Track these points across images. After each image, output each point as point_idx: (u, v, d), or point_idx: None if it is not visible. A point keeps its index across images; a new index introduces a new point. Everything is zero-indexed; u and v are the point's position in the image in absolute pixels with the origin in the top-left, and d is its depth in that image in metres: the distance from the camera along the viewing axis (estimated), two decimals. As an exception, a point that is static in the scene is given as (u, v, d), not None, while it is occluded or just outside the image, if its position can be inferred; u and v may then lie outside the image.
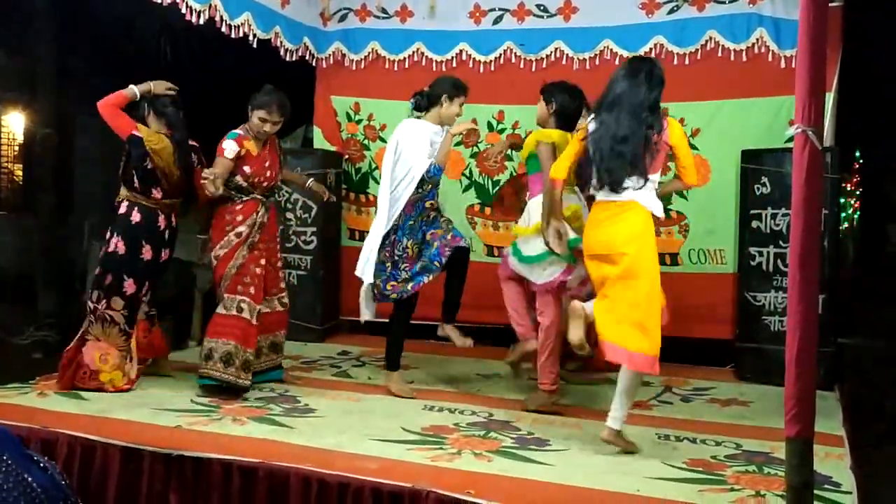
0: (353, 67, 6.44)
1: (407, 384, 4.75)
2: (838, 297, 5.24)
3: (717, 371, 5.44)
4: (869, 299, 8.75)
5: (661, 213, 3.69)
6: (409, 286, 4.50)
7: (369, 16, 6.39)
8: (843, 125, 5.73)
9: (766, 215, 5.11)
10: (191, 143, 4.63)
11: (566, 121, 4.36)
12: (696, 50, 5.60)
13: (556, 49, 5.91)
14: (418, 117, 4.68)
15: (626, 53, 5.70)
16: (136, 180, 4.44)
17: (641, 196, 3.59)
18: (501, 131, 6.09)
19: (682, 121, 5.21)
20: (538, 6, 5.97)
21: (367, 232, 6.47)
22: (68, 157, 8.67)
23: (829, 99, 5.06)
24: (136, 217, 4.46)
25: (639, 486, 3.19)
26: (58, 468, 2.56)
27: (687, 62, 5.60)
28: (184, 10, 4.78)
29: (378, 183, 6.42)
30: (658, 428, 4.05)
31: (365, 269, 4.54)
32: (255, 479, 3.33)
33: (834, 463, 3.52)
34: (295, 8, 5.95)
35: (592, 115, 3.77)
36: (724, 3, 5.54)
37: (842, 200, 9.06)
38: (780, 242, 4.98)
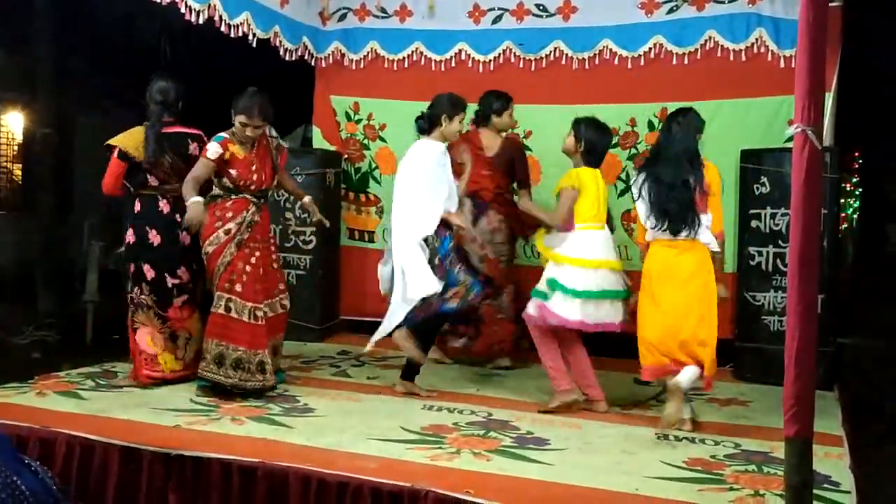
0: (353, 67, 6.44)
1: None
2: (838, 297, 5.24)
3: (716, 371, 5.43)
4: (868, 299, 8.74)
5: (716, 248, 4.17)
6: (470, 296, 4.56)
7: (368, 15, 6.39)
8: (843, 125, 5.73)
9: (765, 215, 5.11)
10: (194, 131, 4.75)
11: (595, 157, 4.44)
12: (696, 50, 5.60)
13: (555, 49, 5.91)
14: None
15: (625, 53, 5.71)
16: (130, 175, 4.65)
17: (700, 235, 4.10)
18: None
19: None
20: (537, 6, 5.97)
21: (367, 232, 6.58)
22: (68, 156, 8.68)
23: (829, 99, 5.06)
24: (137, 206, 4.69)
25: (638, 485, 3.19)
26: (50, 474, 2.55)
27: (686, 62, 5.60)
28: (183, 10, 4.78)
29: (378, 183, 6.49)
30: (657, 428, 4.05)
31: (423, 283, 4.43)
32: (255, 479, 3.33)
33: (833, 462, 3.52)
34: (294, 7, 5.95)
35: (642, 166, 4.25)
36: (723, 2, 5.54)
37: (841, 200, 9.05)
38: (780, 242, 4.98)
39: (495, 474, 3.30)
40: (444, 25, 6.16)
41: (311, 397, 4.50)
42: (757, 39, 5.45)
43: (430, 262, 4.47)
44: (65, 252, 8.13)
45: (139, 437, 3.61)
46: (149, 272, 4.63)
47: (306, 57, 6.30)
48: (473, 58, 6.10)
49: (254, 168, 4.53)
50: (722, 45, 5.53)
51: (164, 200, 4.66)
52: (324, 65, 6.49)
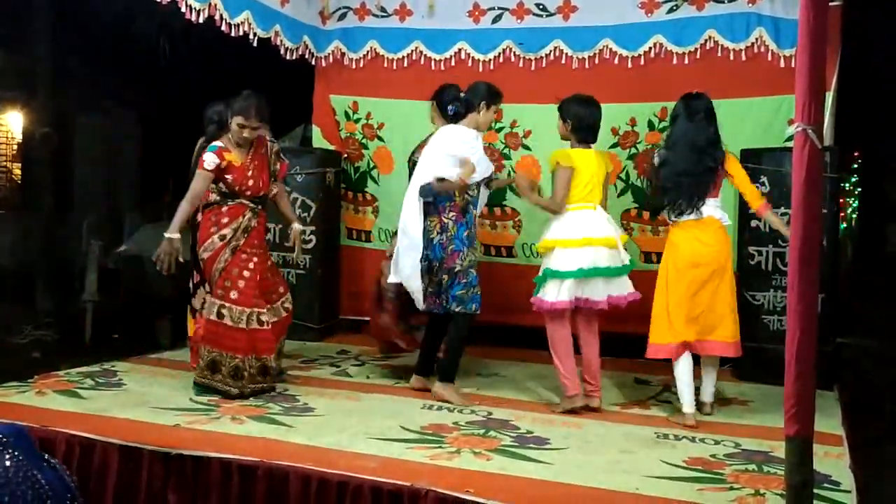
0: (352, 66, 6.43)
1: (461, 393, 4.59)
2: (838, 297, 5.24)
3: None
4: (868, 299, 8.75)
5: (728, 222, 4.31)
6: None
7: (368, 14, 6.38)
8: (843, 124, 5.73)
9: (765, 215, 5.10)
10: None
11: (585, 133, 4.37)
12: (696, 49, 5.58)
13: (555, 48, 5.90)
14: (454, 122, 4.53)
15: (625, 53, 5.70)
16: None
17: (713, 211, 4.22)
18: (499, 130, 6.08)
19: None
20: (537, 5, 5.96)
21: (364, 231, 6.57)
22: (68, 156, 8.69)
23: (829, 98, 5.06)
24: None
25: (638, 484, 3.19)
26: (68, 472, 2.58)
27: (686, 61, 5.59)
28: (183, 10, 4.78)
29: (376, 182, 6.49)
30: (657, 427, 4.05)
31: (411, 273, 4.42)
32: (255, 478, 3.33)
33: (833, 462, 3.52)
34: (294, 7, 5.95)
35: (658, 152, 4.28)
36: (723, 2, 5.54)
37: (841, 200, 9.05)
38: (780, 242, 4.97)
39: (495, 474, 3.30)
40: (444, 25, 6.16)
41: (311, 397, 4.49)
42: (757, 39, 5.44)
43: (444, 248, 4.40)
44: (64, 251, 8.14)
45: (139, 437, 3.61)
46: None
47: (306, 56, 6.29)
48: (473, 57, 6.08)
49: (250, 174, 4.51)
50: (722, 45, 5.52)
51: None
52: (324, 64, 6.49)
